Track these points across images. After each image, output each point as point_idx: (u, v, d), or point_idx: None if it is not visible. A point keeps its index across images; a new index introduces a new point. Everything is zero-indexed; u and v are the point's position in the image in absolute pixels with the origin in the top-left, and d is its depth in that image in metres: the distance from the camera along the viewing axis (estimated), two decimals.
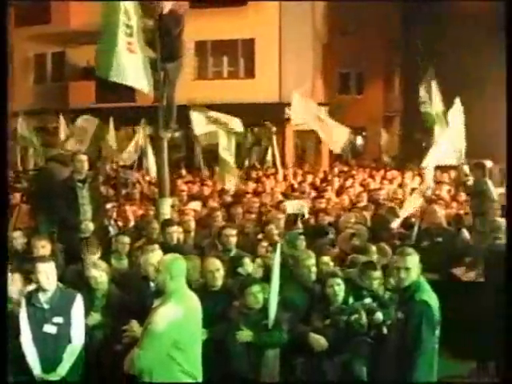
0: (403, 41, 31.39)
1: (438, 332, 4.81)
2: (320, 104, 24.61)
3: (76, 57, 25.15)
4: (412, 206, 9.53)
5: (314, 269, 6.07)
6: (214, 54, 25.44)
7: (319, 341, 5.47)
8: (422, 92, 13.22)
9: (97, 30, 8.16)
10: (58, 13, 25.41)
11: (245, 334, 5.38)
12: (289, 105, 22.98)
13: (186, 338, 4.56)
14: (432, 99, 14.06)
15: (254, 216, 8.97)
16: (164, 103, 8.65)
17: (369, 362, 5.41)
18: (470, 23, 24.83)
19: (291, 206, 9.33)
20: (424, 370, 4.65)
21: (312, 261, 6.09)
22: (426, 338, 4.64)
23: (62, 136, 15.96)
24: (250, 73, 24.87)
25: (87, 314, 5.56)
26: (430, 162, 10.39)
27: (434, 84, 13.81)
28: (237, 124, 12.96)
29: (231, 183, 11.86)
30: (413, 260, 4.83)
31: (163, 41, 8.38)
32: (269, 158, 16.96)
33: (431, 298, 4.81)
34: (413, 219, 9.32)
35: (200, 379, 4.71)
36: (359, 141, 33.03)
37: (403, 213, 9.42)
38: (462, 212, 10.06)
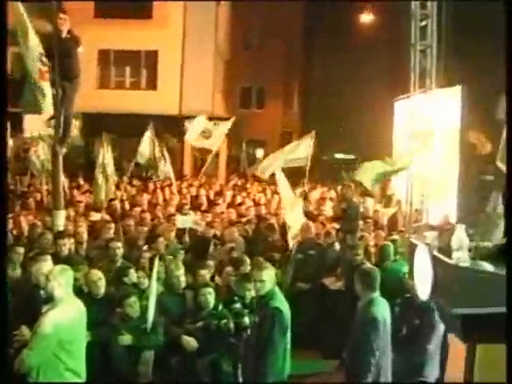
0: (303, 59, 32.83)
1: (289, 335, 5.45)
2: (220, 118, 25.60)
3: None
4: (296, 223, 10.31)
5: (182, 278, 6.77)
6: (116, 64, 25.52)
7: (190, 342, 6.18)
8: None
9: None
10: None
11: (125, 338, 6.01)
12: (188, 117, 23.73)
13: (71, 339, 5.10)
14: None
15: (146, 229, 9.53)
16: (61, 119, 9.05)
17: (235, 361, 6.16)
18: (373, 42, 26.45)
19: (181, 221, 9.88)
20: (275, 369, 5.27)
21: (180, 272, 6.78)
22: (278, 340, 5.26)
23: None
24: (152, 84, 25.23)
25: None
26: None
27: None
28: None
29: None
30: (268, 273, 5.52)
31: (63, 61, 8.74)
32: (167, 169, 17.30)
33: (283, 305, 5.46)
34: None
35: (84, 377, 5.30)
36: (259, 154, 34.06)
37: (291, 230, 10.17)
38: (336, 227, 11.10)
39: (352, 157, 32.14)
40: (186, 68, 24.89)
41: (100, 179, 11.68)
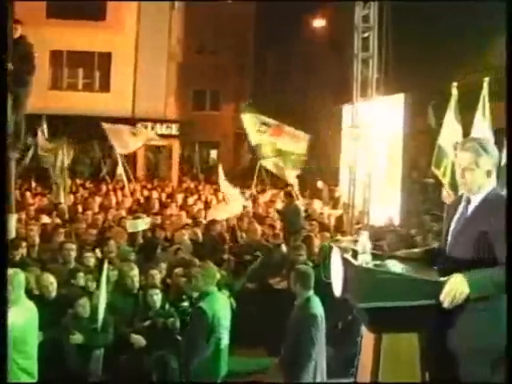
0: (255, 62, 33.31)
1: (223, 336, 5.75)
2: (172, 121, 25.90)
3: None
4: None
5: (136, 279, 7.05)
6: (69, 65, 25.53)
7: (138, 340, 6.51)
8: None
9: None
10: None
11: (76, 337, 6.29)
12: (141, 120, 23.92)
13: (24, 340, 5.34)
14: None
15: (95, 232, 9.77)
16: (12, 125, 9.17)
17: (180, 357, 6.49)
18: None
19: (131, 225, 10.06)
20: (199, 368, 5.59)
21: (134, 272, 7.07)
22: (199, 339, 5.55)
23: None
24: (106, 86, 25.32)
25: None
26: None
27: None
28: None
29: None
30: (202, 272, 5.86)
31: (15, 68, 8.84)
32: (119, 171, 17.49)
33: (211, 306, 5.68)
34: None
35: (36, 377, 5.55)
36: (213, 155, 34.35)
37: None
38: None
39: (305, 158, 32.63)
40: (139, 70, 25.05)
41: (60, 182, 11.88)
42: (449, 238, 3.60)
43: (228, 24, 29.21)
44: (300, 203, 12.90)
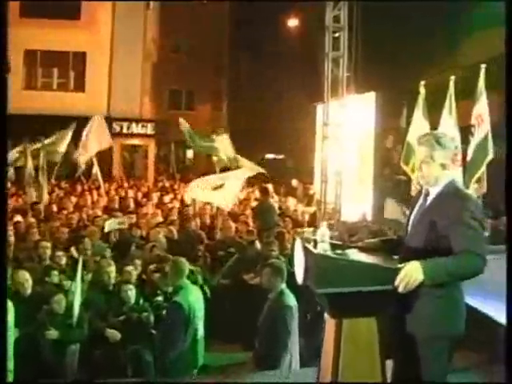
0: (230, 62, 33.44)
1: (198, 327, 5.92)
2: (147, 121, 25.91)
3: None
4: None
5: (113, 275, 7.20)
6: (43, 65, 25.41)
7: (113, 334, 6.65)
8: None
9: None
10: None
11: (52, 333, 6.40)
12: (116, 119, 23.93)
13: None
14: None
15: (67, 230, 9.85)
16: None
17: (155, 351, 6.63)
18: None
19: (108, 226, 10.07)
20: (179, 360, 5.75)
21: (111, 268, 7.22)
22: (175, 333, 5.71)
23: None
24: (81, 86, 25.29)
25: None
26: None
27: None
28: None
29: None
30: (173, 266, 6.05)
31: None
32: (95, 171, 17.45)
33: (185, 299, 5.83)
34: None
35: (11, 372, 5.63)
36: (189, 155, 34.36)
37: None
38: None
39: (281, 157, 32.92)
40: (114, 70, 25.06)
41: (42, 182, 11.93)
42: (409, 229, 3.79)
43: (203, 24, 29.27)
44: (274, 201, 13.09)
